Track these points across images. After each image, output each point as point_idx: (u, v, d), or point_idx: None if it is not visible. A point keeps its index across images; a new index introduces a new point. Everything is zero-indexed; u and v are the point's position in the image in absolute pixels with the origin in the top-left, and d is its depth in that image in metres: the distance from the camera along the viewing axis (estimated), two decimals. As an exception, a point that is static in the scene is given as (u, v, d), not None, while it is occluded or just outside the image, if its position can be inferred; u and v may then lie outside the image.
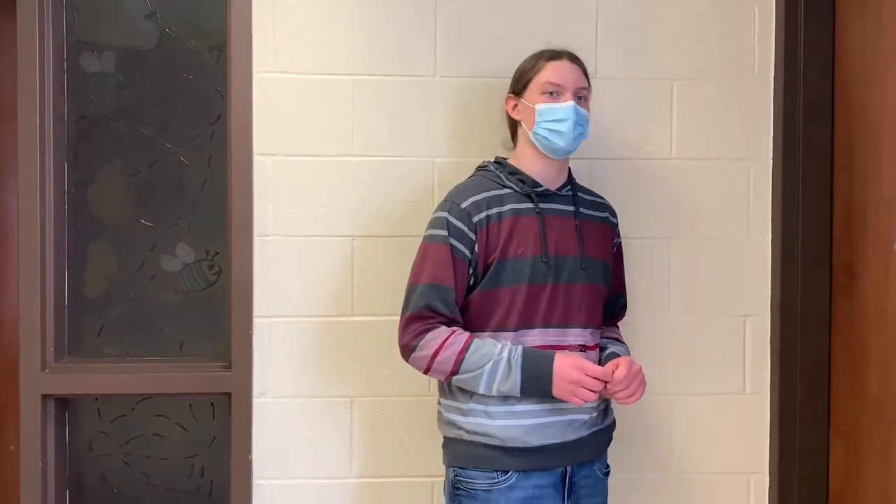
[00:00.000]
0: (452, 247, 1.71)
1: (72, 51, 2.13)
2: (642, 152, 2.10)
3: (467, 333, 1.70)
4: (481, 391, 1.68)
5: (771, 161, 2.12)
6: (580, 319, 1.76)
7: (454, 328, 1.70)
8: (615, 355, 1.80)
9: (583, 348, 1.76)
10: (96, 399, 2.16)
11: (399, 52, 2.06)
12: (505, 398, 1.70)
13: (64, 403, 2.13)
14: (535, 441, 1.69)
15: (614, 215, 1.92)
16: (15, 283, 2.07)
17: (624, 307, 1.98)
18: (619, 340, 1.93)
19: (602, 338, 1.89)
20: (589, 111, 1.81)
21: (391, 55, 2.06)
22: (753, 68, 2.12)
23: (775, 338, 2.09)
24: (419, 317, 1.70)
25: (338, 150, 2.06)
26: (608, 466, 1.86)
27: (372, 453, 2.07)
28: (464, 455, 1.74)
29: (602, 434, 1.80)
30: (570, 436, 1.72)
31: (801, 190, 2.05)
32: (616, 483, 2.04)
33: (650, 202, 2.10)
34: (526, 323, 1.71)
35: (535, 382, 1.66)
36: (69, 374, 2.07)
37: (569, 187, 1.83)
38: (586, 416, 1.74)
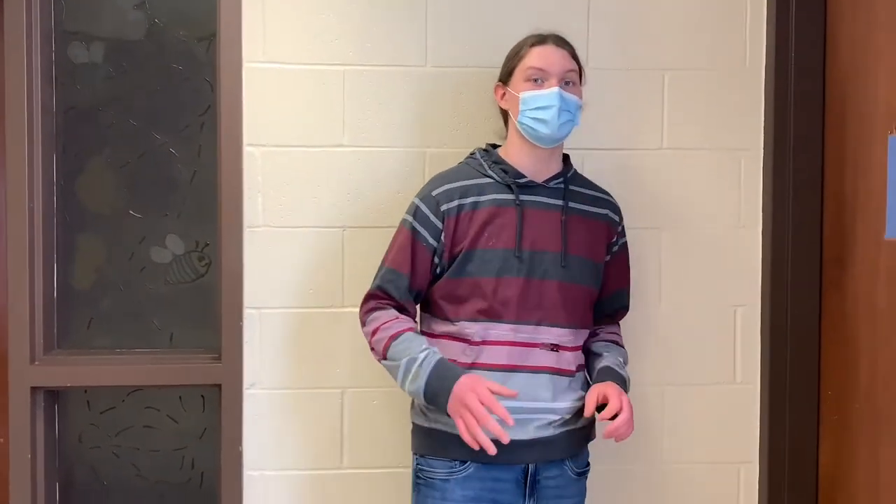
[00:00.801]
0: (416, 232, 1.72)
1: (60, 41, 2.12)
2: (633, 142, 2.10)
3: (409, 323, 1.71)
4: (398, 383, 1.67)
5: (762, 152, 2.12)
6: (557, 318, 1.70)
7: (400, 315, 1.71)
8: (609, 371, 1.74)
9: (555, 348, 1.70)
10: (86, 391, 2.15)
11: (390, 43, 2.05)
12: None
13: (53, 396, 2.12)
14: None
15: (617, 213, 1.84)
16: (3, 275, 2.05)
17: (623, 308, 1.92)
18: (617, 344, 1.87)
19: (599, 341, 1.84)
20: (581, 96, 1.75)
21: (382, 45, 2.05)
22: (745, 59, 2.12)
23: (765, 328, 2.09)
24: (374, 296, 1.75)
25: (328, 141, 2.05)
26: (587, 465, 1.81)
27: (363, 444, 2.06)
28: (425, 442, 1.74)
29: (575, 434, 1.75)
30: (534, 433, 1.67)
31: (791, 181, 2.05)
32: (606, 473, 2.04)
33: (641, 192, 2.09)
34: (493, 316, 1.68)
35: (436, 395, 1.61)
36: (58, 366, 2.06)
37: (560, 180, 1.77)
38: (555, 417, 1.69)
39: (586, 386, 1.78)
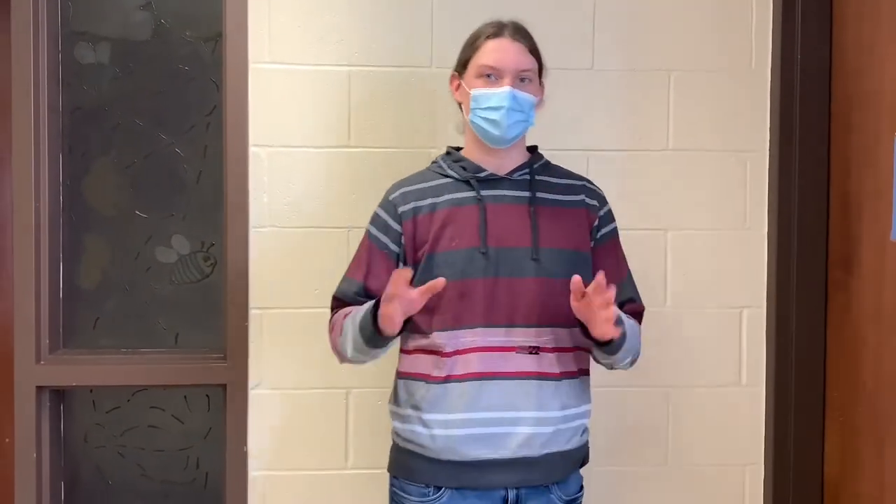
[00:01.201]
0: (376, 239, 1.66)
1: (66, 42, 2.13)
2: (639, 144, 2.10)
3: (350, 309, 1.64)
4: (348, 352, 1.60)
5: (768, 153, 2.11)
6: (530, 318, 1.57)
7: (345, 308, 1.65)
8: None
9: (534, 350, 1.57)
10: (91, 391, 2.16)
11: (395, 43, 2.05)
12: (438, 404, 1.57)
13: (59, 395, 2.13)
14: (471, 453, 1.55)
15: (595, 197, 1.69)
16: (10, 275, 2.06)
17: (630, 301, 1.72)
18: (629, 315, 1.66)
19: None
20: (539, 93, 1.65)
21: (387, 46, 2.05)
22: (751, 60, 2.11)
23: (771, 329, 2.09)
24: (333, 306, 1.70)
25: (333, 142, 2.05)
26: (579, 490, 1.67)
27: (367, 444, 2.06)
28: (398, 463, 1.67)
29: (562, 456, 1.60)
30: (514, 451, 1.55)
31: (797, 182, 2.05)
32: (611, 476, 2.04)
33: (647, 193, 2.09)
34: (461, 322, 1.56)
35: (367, 322, 1.53)
36: (64, 365, 2.06)
37: (525, 170, 1.66)
38: (539, 429, 1.56)
39: (582, 395, 1.65)
